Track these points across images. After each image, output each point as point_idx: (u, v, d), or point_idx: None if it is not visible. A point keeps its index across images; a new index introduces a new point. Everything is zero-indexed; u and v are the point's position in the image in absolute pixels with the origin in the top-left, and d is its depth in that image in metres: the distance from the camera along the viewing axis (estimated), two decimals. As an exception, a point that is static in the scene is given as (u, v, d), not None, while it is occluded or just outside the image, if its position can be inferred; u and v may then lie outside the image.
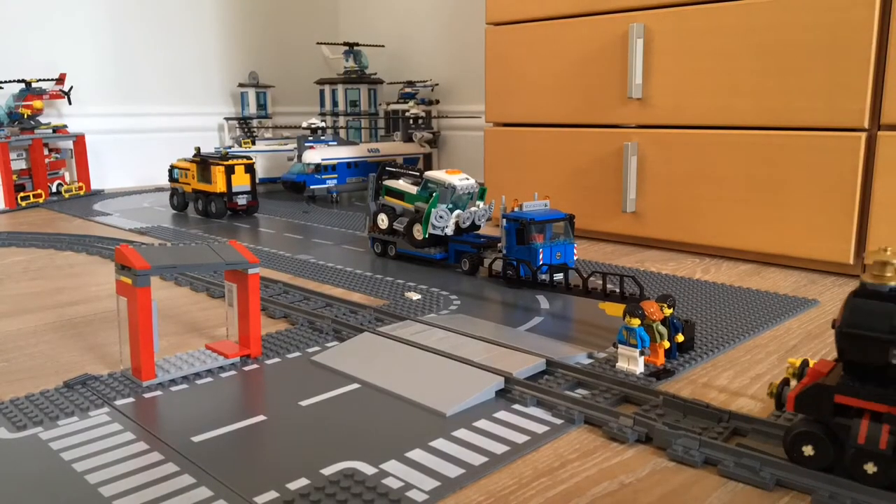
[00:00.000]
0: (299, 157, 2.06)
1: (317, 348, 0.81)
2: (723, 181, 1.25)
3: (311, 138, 2.12)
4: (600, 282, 0.97)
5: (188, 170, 1.82)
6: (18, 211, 1.91)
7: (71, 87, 2.19)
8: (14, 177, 1.98)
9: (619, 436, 0.58)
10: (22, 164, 2.05)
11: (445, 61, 2.48)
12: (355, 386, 0.70)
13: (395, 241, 1.26)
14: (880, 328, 0.49)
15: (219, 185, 1.74)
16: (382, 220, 1.27)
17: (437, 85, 2.48)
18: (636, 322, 0.71)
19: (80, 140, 2.18)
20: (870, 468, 0.49)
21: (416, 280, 1.12)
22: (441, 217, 1.14)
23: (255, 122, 2.53)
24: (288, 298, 1.00)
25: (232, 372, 0.74)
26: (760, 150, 1.19)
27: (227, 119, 2.56)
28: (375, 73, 2.56)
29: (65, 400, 0.66)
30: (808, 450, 0.52)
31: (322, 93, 2.54)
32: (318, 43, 2.71)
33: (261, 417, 0.63)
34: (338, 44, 2.56)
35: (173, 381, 0.71)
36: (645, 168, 1.35)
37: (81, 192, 2.18)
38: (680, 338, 0.75)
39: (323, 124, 2.17)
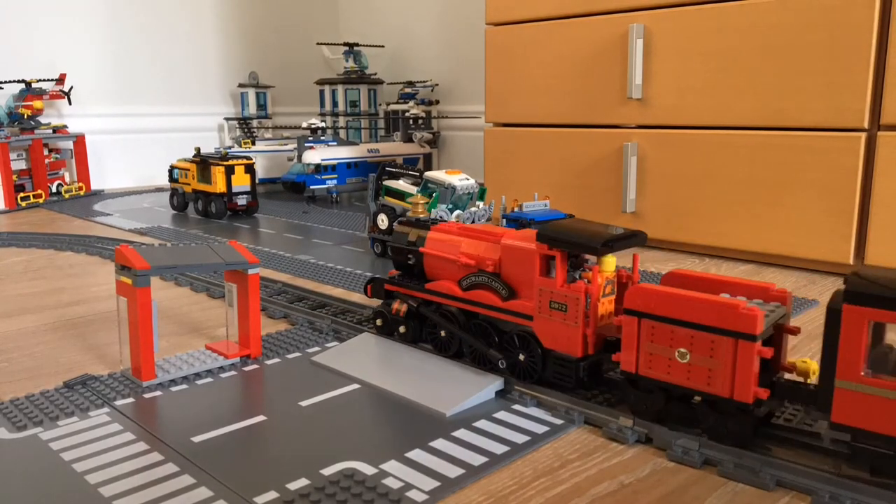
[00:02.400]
0: (299, 157, 2.06)
1: (317, 349, 0.81)
2: (722, 181, 1.25)
3: (310, 138, 2.12)
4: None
5: (188, 170, 1.82)
6: (18, 211, 1.91)
7: (71, 88, 2.19)
8: (14, 177, 1.98)
9: (618, 436, 0.58)
10: (22, 165, 2.05)
11: (445, 61, 2.48)
12: (355, 386, 0.70)
13: (395, 242, 1.26)
14: (404, 241, 0.79)
15: (219, 185, 1.74)
16: (382, 221, 1.27)
17: (437, 85, 2.48)
18: (636, 322, 0.71)
19: (80, 140, 2.19)
20: (402, 329, 0.78)
21: (416, 280, 1.12)
22: (441, 217, 1.14)
23: (254, 123, 2.53)
24: (288, 298, 1.00)
25: (232, 372, 0.74)
26: (760, 151, 1.19)
27: (227, 119, 2.56)
28: (375, 74, 2.57)
29: (65, 400, 0.66)
30: (378, 322, 0.81)
31: (322, 93, 2.54)
32: (318, 43, 2.71)
33: (261, 418, 0.63)
34: (338, 44, 2.56)
35: (173, 382, 0.71)
36: (645, 168, 1.35)
37: (81, 193, 2.18)
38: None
39: (323, 124, 2.17)
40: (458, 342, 0.73)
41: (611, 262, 0.63)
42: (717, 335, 0.53)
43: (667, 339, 0.56)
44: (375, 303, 0.99)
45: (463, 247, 0.73)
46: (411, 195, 1.22)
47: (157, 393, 0.68)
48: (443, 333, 0.74)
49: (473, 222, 1.18)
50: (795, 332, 0.58)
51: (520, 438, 0.59)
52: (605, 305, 0.64)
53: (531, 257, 0.65)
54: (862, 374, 0.48)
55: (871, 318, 0.47)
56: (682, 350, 0.55)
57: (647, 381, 0.58)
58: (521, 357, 0.67)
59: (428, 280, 0.76)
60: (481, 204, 1.20)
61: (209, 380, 0.72)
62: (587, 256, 0.65)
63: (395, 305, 0.78)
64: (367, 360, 0.75)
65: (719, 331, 0.53)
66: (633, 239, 0.64)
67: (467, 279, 0.71)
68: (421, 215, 0.89)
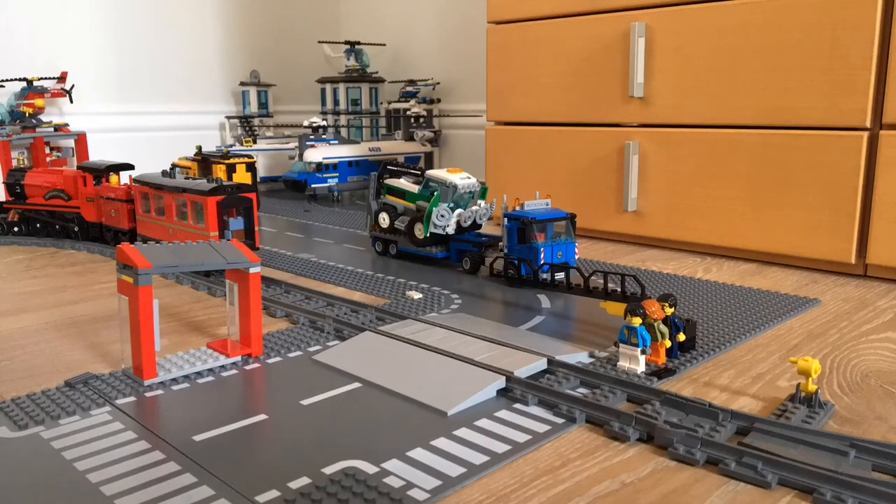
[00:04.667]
0: (300, 155, 2.05)
1: (318, 347, 0.81)
2: (724, 180, 1.24)
3: (312, 137, 2.12)
4: (602, 281, 0.97)
5: (190, 168, 1.82)
6: (20, 209, 1.91)
7: (72, 86, 2.19)
8: (15, 175, 1.98)
9: (620, 435, 0.58)
10: (24, 163, 2.05)
11: (447, 60, 2.48)
12: (356, 385, 0.70)
13: (397, 240, 1.26)
14: (13, 179, 1.52)
15: (220, 183, 1.74)
16: (384, 219, 1.27)
17: (438, 84, 2.47)
18: (637, 321, 0.71)
19: (81, 139, 2.18)
20: (15, 229, 1.52)
21: (417, 279, 1.12)
22: (442, 216, 1.14)
23: (256, 121, 2.53)
24: (289, 297, 1.00)
25: (233, 371, 0.74)
26: (762, 150, 1.19)
27: (229, 118, 2.56)
28: (377, 72, 2.56)
29: (66, 399, 0.66)
30: (15, 229, 1.51)
31: (323, 91, 2.54)
32: (319, 42, 2.70)
33: (262, 416, 0.63)
34: (339, 42, 2.56)
35: (174, 380, 0.71)
36: (646, 167, 1.35)
37: (83, 191, 2.18)
38: (681, 337, 0.75)
39: (324, 123, 2.17)
40: (47, 227, 1.48)
41: (115, 179, 1.34)
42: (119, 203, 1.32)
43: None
44: (379, 301, 1.00)
45: (45, 178, 1.46)
46: (413, 194, 1.22)
47: (159, 392, 0.68)
48: (38, 225, 1.47)
49: (475, 221, 1.18)
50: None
51: (521, 437, 0.59)
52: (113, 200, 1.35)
53: (78, 179, 1.40)
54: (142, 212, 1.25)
55: (139, 191, 1.25)
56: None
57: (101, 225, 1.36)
58: (76, 229, 1.41)
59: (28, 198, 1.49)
60: (483, 203, 1.20)
61: (210, 378, 0.72)
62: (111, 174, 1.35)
63: (10, 216, 1.50)
64: (369, 358, 0.75)
65: (120, 200, 1.32)
66: (120, 166, 1.38)
67: (48, 194, 1.43)
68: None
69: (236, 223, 1.11)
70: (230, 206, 1.11)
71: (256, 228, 1.14)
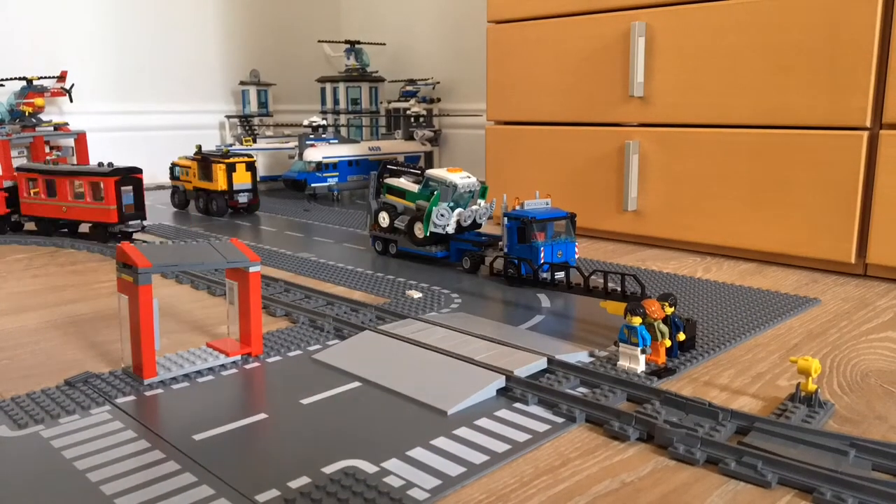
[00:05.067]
0: (300, 155, 2.05)
1: (318, 346, 0.81)
2: (724, 180, 1.24)
3: (312, 136, 2.11)
4: (601, 280, 0.97)
5: (189, 168, 1.82)
6: (20, 209, 1.91)
7: (72, 85, 2.19)
8: (15, 174, 1.98)
9: (620, 434, 0.58)
10: (23, 162, 2.05)
11: (447, 59, 2.48)
12: (356, 384, 0.70)
13: (397, 240, 1.26)
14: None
15: (220, 182, 1.74)
16: (383, 219, 1.27)
17: (438, 83, 2.47)
18: (637, 320, 0.71)
19: (81, 138, 2.18)
20: None
21: (417, 278, 1.12)
22: (442, 215, 1.14)
23: (256, 120, 2.53)
24: (289, 297, 1.00)
25: (233, 370, 0.74)
26: (762, 149, 1.19)
27: (229, 117, 2.56)
28: (377, 72, 2.56)
29: (66, 398, 0.66)
30: None
31: (323, 91, 2.54)
32: (319, 41, 2.70)
33: (262, 416, 0.63)
34: (339, 42, 2.56)
35: (174, 380, 0.71)
36: (646, 166, 1.35)
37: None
38: (681, 336, 0.75)
39: (324, 122, 2.17)
40: None
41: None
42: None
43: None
44: (379, 300, 1.00)
45: None
46: (413, 193, 1.22)
47: (159, 391, 0.68)
48: None
49: (475, 220, 1.18)
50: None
51: (521, 436, 0.59)
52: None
53: None
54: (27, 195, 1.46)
55: (26, 177, 1.41)
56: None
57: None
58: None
59: None
60: (482, 202, 1.20)
61: (210, 377, 0.72)
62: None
63: None
64: (369, 357, 0.75)
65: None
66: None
67: None
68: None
69: (128, 198, 1.40)
70: (125, 185, 1.39)
71: (145, 203, 1.43)
